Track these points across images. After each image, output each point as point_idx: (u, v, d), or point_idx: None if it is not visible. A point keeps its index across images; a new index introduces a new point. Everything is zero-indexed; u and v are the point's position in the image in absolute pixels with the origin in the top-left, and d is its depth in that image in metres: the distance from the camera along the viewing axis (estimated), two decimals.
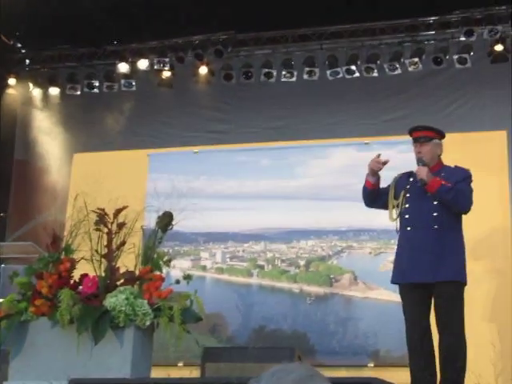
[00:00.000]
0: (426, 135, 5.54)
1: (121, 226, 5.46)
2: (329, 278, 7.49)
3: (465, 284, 5.14)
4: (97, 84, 12.45)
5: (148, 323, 5.10)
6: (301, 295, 7.67)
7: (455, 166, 5.49)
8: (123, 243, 5.41)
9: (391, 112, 12.16)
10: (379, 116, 12.06)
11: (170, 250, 7.96)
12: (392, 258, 7.39)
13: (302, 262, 7.79)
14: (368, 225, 7.67)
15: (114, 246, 5.44)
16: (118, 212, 5.42)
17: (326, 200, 7.62)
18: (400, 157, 7.68)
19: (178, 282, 5.74)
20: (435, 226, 5.22)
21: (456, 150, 7.45)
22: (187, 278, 5.60)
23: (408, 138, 7.70)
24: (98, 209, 5.44)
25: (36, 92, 11.69)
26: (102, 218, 5.43)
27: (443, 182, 5.22)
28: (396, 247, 5.47)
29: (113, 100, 12.70)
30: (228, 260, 7.97)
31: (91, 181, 7.01)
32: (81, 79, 12.40)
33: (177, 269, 7.61)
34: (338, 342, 7.30)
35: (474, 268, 6.96)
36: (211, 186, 8.15)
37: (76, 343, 5.09)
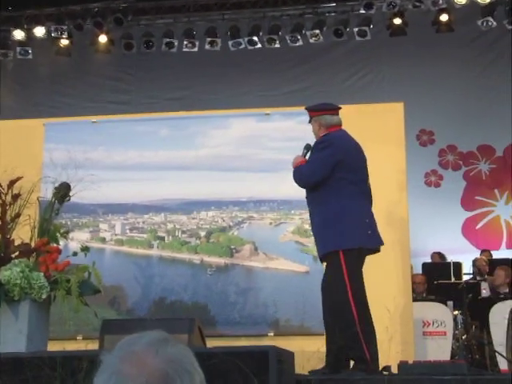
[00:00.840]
0: (309, 116, 5.78)
1: (16, 197, 5.33)
2: (229, 248, 7.51)
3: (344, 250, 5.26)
4: None
5: (44, 296, 5.04)
6: (201, 266, 7.65)
7: (320, 136, 5.66)
8: (18, 215, 5.29)
9: (293, 84, 12.32)
10: (280, 87, 12.21)
11: (69, 222, 7.83)
12: (292, 228, 7.60)
13: (202, 233, 7.78)
14: (268, 196, 7.73)
15: (8, 218, 5.31)
16: (12, 183, 5.29)
17: (226, 171, 7.62)
18: (300, 127, 7.72)
19: (75, 254, 5.66)
20: (309, 206, 5.66)
21: (355, 121, 7.58)
22: (84, 249, 5.53)
23: None
24: None
25: None
26: None
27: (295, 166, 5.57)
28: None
29: (7, 68, 12.42)
30: (128, 231, 7.87)
31: None
32: None
33: (75, 241, 7.47)
34: (238, 312, 7.33)
35: None
36: (110, 156, 7.99)
37: None
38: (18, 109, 10.98)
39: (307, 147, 5.70)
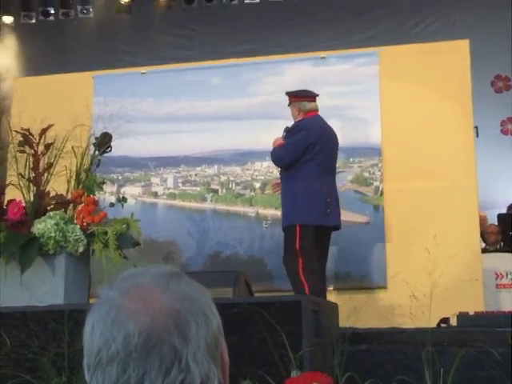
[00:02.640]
0: (288, 100, 6.30)
1: (48, 146, 5.09)
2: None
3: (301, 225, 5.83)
4: (52, 11, 12.03)
5: (81, 250, 4.83)
6: (257, 219, 7.40)
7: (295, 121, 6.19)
8: (50, 165, 5.06)
9: (359, 32, 11.79)
10: (347, 37, 11.70)
11: (120, 177, 7.71)
12: (351, 177, 7.22)
13: (257, 185, 7.53)
14: None
15: (41, 169, 5.09)
16: (43, 132, 5.06)
17: (280, 119, 7.16)
18: (358, 71, 7.32)
19: (112, 204, 5.46)
20: (281, 182, 6.15)
21: (416, 61, 7.18)
22: (121, 200, 5.31)
23: (367, 50, 7.43)
24: (22, 129, 5.08)
25: None
26: (26, 138, 5.06)
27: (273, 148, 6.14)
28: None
29: (69, 28, 12.28)
30: (180, 185, 7.64)
31: (33, 105, 6.64)
32: (35, 7, 11.97)
33: (127, 195, 7.27)
34: None
35: (440, 184, 6.82)
36: (160, 108, 7.74)
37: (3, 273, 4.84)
38: (79, 67, 10.80)
39: (286, 130, 6.18)
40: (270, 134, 6.76)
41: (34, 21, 11.86)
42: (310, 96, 6.24)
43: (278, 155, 6.06)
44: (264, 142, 7.07)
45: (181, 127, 7.64)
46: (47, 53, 11.11)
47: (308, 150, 5.93)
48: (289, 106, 6.28)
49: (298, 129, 6.06)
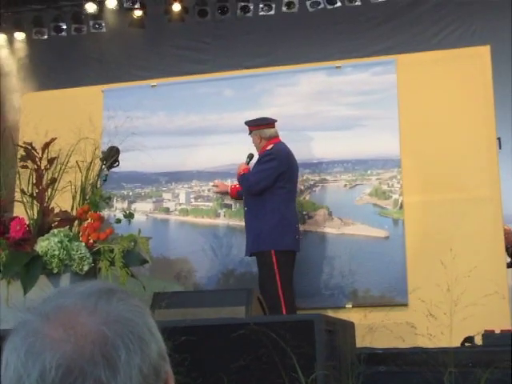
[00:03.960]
0: (248, 129, 6.58)
1: (51, 161, 4.96)
2: (301, 214, 6.99)
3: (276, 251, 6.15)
4: (64, 27, 11.96)
5: (86, 268, 4.71)
6: None
7: (266, 149, 6.45)
8: (54, 180, 4.93)
9: (377, 43, 11.63)
10: (364, 48, 11.55)
11: (131, 193, 7.59)
12: (368, 190, 7.04)
13: None
14: (342, 155, 7.21)
15: (44, 184, 4.96)
16: (46, 146, 4.92)
17: (294, 130, 7.17)
18: (375, 80, 7.17)
19: (118, 221, 5.37)
20: (245, 207, 6.51)
21: (436, 69, 7.04)
22: (128, 216, 5.19)
23: (384, 58, 7.29)
24: (25, 143, 4.96)
25: (0, 38, 11.30)
26: (28, 153, 4.93)
27: (241, 173, 6.46)
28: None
29: (81, 42, 12.21)
30: (192, 201, 7.49)
31: (40, 120, 6.52)
32: (47, 22, 11.91)
33: (138, 212, 7.27)
34: (312, 282, 6.86)
35: (462, 197, 6.62)
36: (171, 121, 7.62)
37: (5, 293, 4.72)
38: (90, 82, 10.70)
39: (250, 156, 6.58)
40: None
41: (45, 37, 11.80)
42: (269, 123, 6.55)
43: (252, 182, 6.31)
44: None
45: (193, 141, 7.52)
46: (58, 68, 11.06)
47: (279, 178, 6.25)
48: (249, 135, 6.57)
49: (271, 157, 6.35)
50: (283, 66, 7.80)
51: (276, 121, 6.59)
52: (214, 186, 7.24)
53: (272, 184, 6.23)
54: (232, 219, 7.31)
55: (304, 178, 7.13)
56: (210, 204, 7.43)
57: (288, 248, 6.20)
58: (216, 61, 12.42)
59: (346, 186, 7.18)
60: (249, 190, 6.41)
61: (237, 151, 7.10)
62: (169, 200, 7.54)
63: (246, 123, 6.59)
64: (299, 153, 6.74)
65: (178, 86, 7.84)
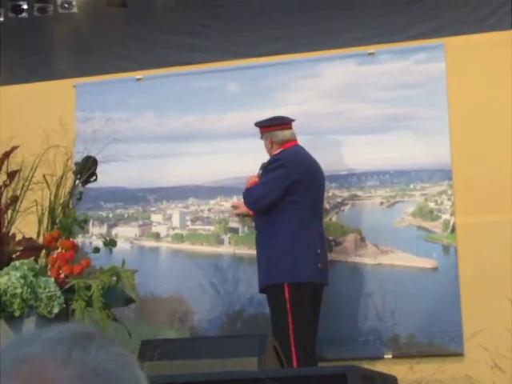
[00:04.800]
0: (260, 132, 6.62)
1: (12, 175, 4.99)
2: (327, 240, 6.95)
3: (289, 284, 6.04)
4: (25, 6, 12.03)
5: (56, 310, 4.74)
6: None
7: (273, 155, 6.50)
8: (15, 199, 4.97)
9: (412, 26, 11.65)
10: (399, 32, 11.59)
11: (111, 215, 7.61)
12: (412, 209, 7.05)
13: None
14: (377, 166, 7.21)
15: (3, 204, 5.00)
16: (5, 156, 4.96)
17: (316, 134, 7.21)
18: (417, 69, 7.26)
19: (97, 250, 5.45)
20: (256, 229, 6.52)
21: (496, 54, 7.05)
22: (109, 244, 5.27)
23: (429, 42, 7.32)
24: None
25: None
26: None
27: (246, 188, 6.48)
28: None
29: (47, 26, 12.27)
30: (189, 224, 7.53)
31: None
32: (3, 1, 12.00)
33: (121, 239, 7.26)
34: (341, 326, 6.87)
35: None
36: (161, 124, 7.68)
37: None
38: (58, 75, 10.74)
39: (263, 166, 6.53)
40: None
41: (1, 19, 11.87)
42: (283, 123, 6.54)
43: (256, 196, 6.28)
44: None
45: (188, 148, 7.53)
46: (17, 58, 11.06)
47: (291, 190, 6.17)
48: (261, 139, 6.61)
49: (278, 164, 6.33)
50: (302, 54, 7.84)
51: (293, 120, 6.59)
52: (232, 206, 7.14)
53: (281, 197, 6.18)
54: (239, 246, 7.33)
55: (330, 194, 7.16)
56: (211, 228, 7.46)
57: (305, 280, 6.10)
58: (217, 48, 12.43)
59: (382, 203, 7.20)
60: (254, 208, 6.43)
61: (243, 161, 7.16)
62: (159, 223, 7.59)
63: (256, 124, 6.60)
64: (322, 162, 6.74)
65: (170, 80, 7.89)
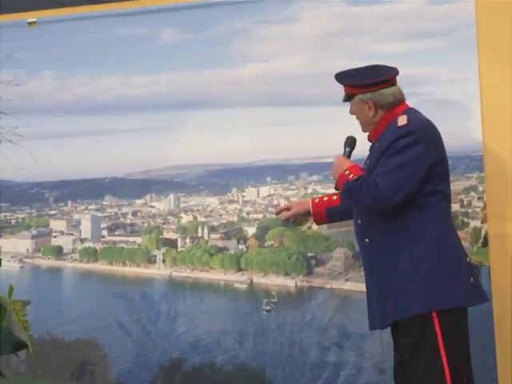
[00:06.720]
0: (346, 92, 6.06)
1: None
2: (304, 258, 7.00)
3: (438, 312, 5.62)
4: None
5: None
6: (251, 294, 7.26)
7: (399, 126, 5.82)
8: None
9: None
10: None
11: None
12: None
13: (250, 230, 7.37)
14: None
15: None
16: None
17: (290, 106, 7.07)
18: (436, 12, 7.10)
19: None
20: (366, 239, 5.94)
21: None
22: None
23: None
24: None
25: None
26: None
27: (350, 177, 5.80)
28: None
29: None
30: (105, 234, 7.51)
31: None
32: None
33: (7, 255, 7.29)
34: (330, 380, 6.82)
35: None
36: (64, 88, 7.58)
37: None
38: None
39: (350, 143, 6.10)
40: (275, 135, 6.85)
41: None
42: (390, 75, 5.96)
43: (383, 189, 5.71)
44: (264, 150, 7.12)
45: (106, 124, 7.51)
46: None
47: (431, 176, 5.72)
48: (348, 101, 6.06)
49: (414, 138, 5.69)
50: None
51: (398, 71, 6.02)
52: (278, 212, 6.48)
53: (418, 188, 5.69)
54: (177, 266, 7.36)
55: (306, 190, 7.21)
56: (138, 239, 7.45)
57: (461, 304, 5.72)
58: None
59: None
60: (377, 206, 5.77)
61: (184, 142, 7.18)
62: (61, 233, 7.57)
63: (341, 80, 6.06)
64: (304, 146, 6.86)
65: (77, 25, 7.69)
